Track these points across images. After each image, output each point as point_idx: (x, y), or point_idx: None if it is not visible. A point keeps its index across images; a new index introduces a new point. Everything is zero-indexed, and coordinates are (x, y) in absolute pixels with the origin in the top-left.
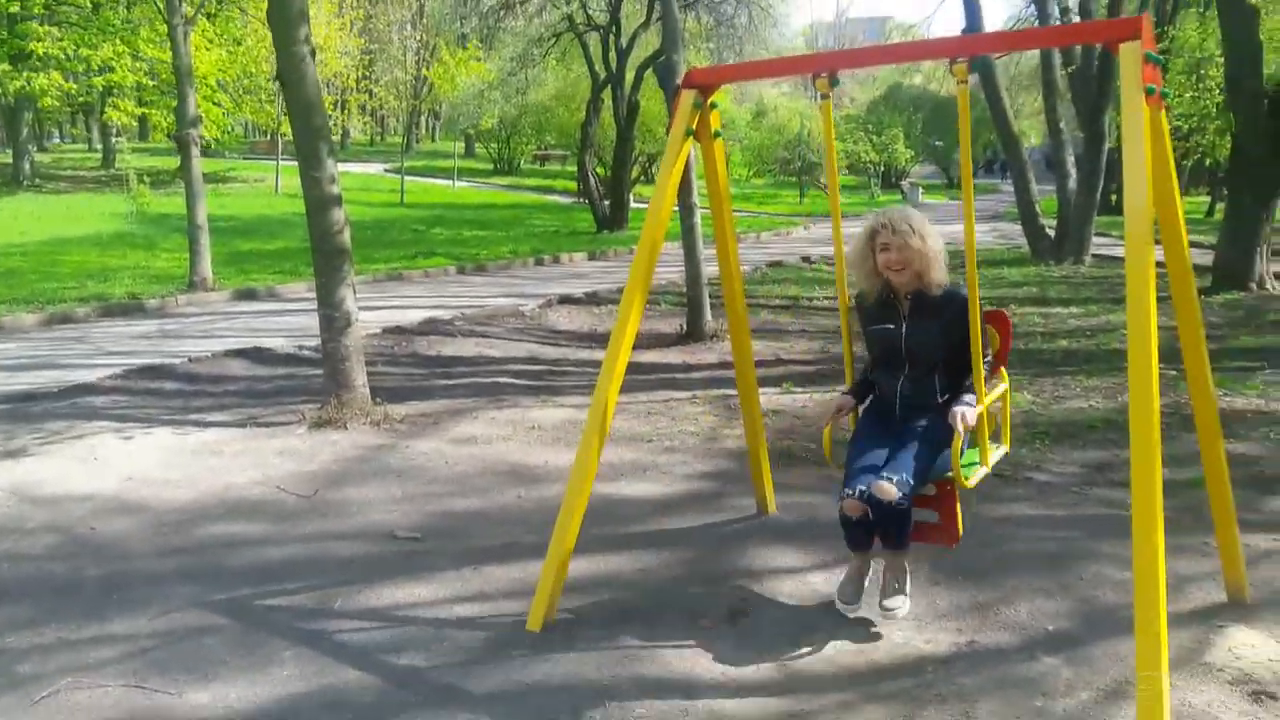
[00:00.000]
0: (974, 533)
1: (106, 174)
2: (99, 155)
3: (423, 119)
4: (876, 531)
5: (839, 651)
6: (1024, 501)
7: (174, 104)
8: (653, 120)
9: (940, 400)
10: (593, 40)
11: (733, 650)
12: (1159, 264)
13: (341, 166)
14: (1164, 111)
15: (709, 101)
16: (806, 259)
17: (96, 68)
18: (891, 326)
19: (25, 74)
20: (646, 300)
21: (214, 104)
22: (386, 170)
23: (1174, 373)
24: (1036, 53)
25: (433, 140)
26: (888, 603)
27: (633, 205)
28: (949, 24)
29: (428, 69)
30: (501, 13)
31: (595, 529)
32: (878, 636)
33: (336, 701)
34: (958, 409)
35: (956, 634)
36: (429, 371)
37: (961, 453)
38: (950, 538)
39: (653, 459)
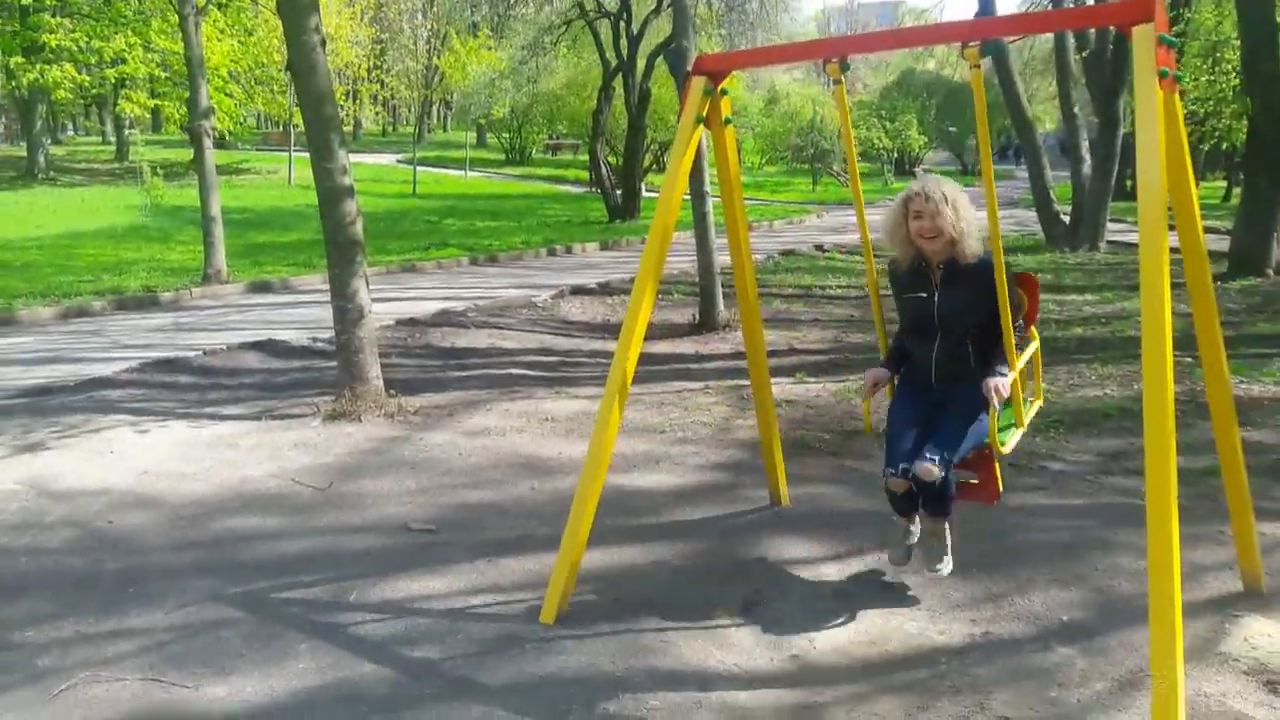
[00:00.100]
0: (988, 523)
1: (120, 166)
2: (113, 148)
3: (434, 109)
4: (919, 502)
5: (852, 643)
6: (1038, 491)
7: (186, 95)
8: (665, 108)
9: (974, 366)
10: (604, 27)
11: (746, 642)
12: (1173, 250)
13: (354, 157)
14: (1178, 95)
15: (719, 88)
16: (820, 247)
17: (109, 60)
18: (924, 295)
19: (39, 66)
20: (658, 290)
21: (226, 95)
22: (399, 161)
23: (1190, 360)
24: (1050, 36)
25: (444, 130)
26: (931, 566)
27: (645, 194)
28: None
29: (439, 58)
30: (512, 1)
31: (608, 520)
32: (891, 628)
33: (352, 694)
34: (991, 381)
35: (971, 625)
36: (443, 363)
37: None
38: (990, 496)
39: (666, 450)
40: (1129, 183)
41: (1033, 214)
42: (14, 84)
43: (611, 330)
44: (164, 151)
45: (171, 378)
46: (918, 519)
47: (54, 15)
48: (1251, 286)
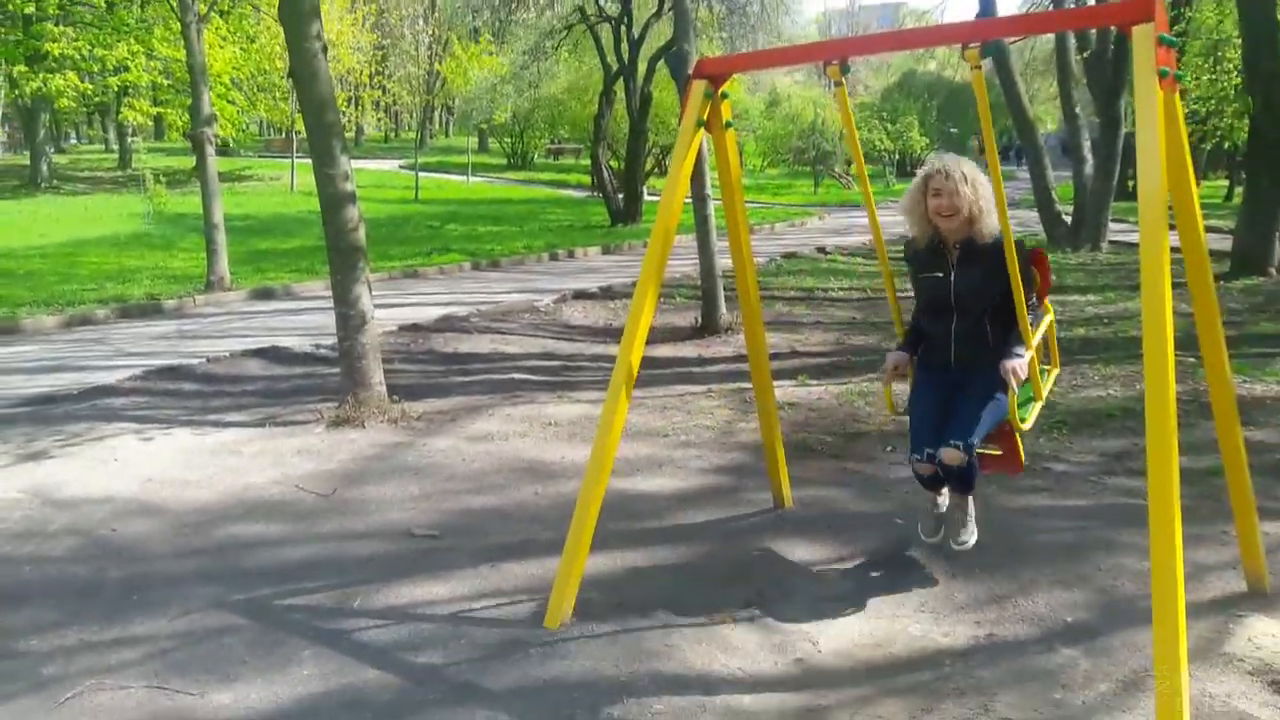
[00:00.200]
0: (991, 524)
1: (123, 174)
2: (115, 156)
3: (436, 114)
4: (945, 480)
5: (856, 645)
6: (1042, 492)
7: (189, 103)
8: (666, 112)
9: (992, 346)
10: (604, 32)
11: (750, 645)
12: (1174, 249)
13: (356, 163)
14: (1179, 95)
15: (720, 92)
16: (822, 249)
17: (111, 67)
18: (940, 275)
19: (41, 75)
20: (660, 293)
21: (228, 102)
22: (401, 167)
23: (1192, 360)
24: (1051, 37)
25: (446, 136)
26: (958, 539)
27: (647, 198)
28: (963, 9)
29: (440, 63)
30: (513, 5)
31: (611, 524)
32: (895, 630)
33: (355, 700)
34: (1008, 364)
35: (975, 626)
36: (445, 368)
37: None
38: (1014, 467)
39: (668, 454)
40: (1131, 183)
41: (1034, 214)
42: (17, 93)
43: (614, 334)
44: (167, 159)
45: (175, 385)
46: (945, 491)
47: (57, 24)
48: (1254, 286)
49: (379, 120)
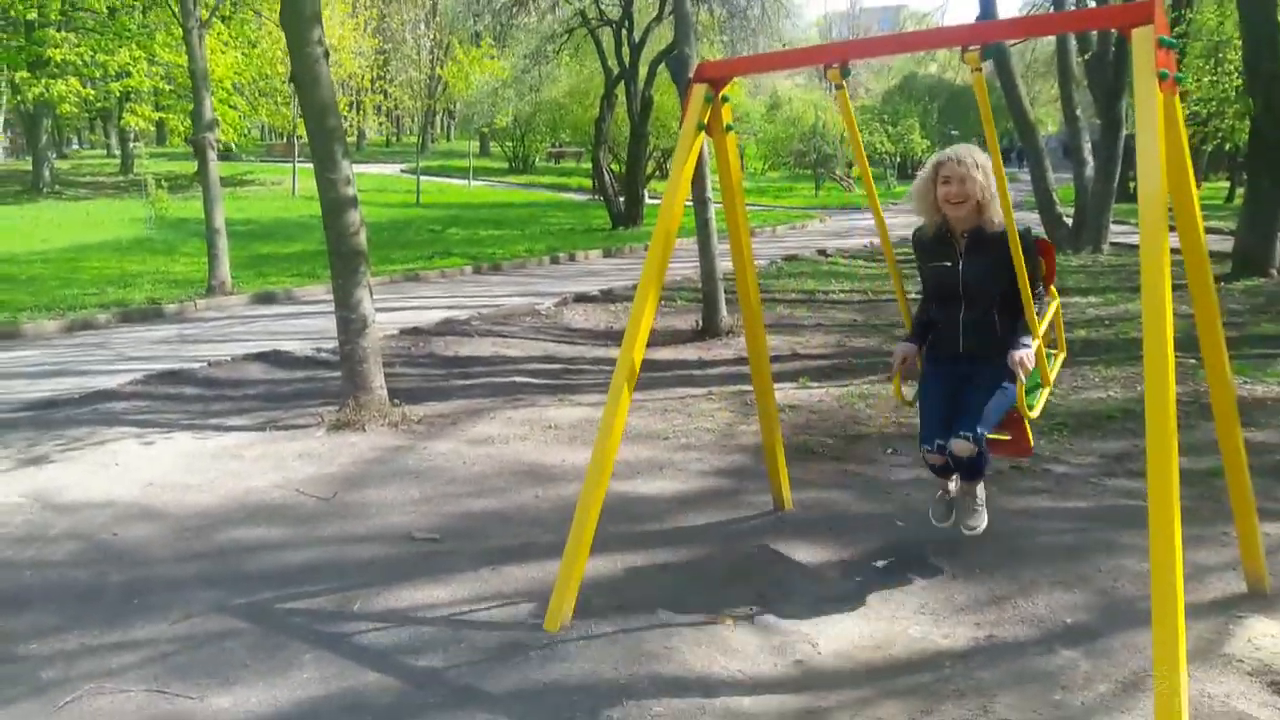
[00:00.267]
0: (991, 525)
1: (125, 179)
2: (117, 161)
3: (438, 118)
4: (955, 469)
5: (856, 647)
6: (1042, 494)
7: (190, 108)
8: (667, 115)
9: (1000, 335)
10: (605, 35)
11: (750, 647)
12: (1175, 251)
13: (357, 168)
14: (1179, 97)
15: (721, 95)
16: (823, 252)
17: (113, 73)
18: (949, 264)
19: (44, 81)
20: (661, 296)
21: (230, 107)
22: (402, 171)
23: (1193, 361)
24: (1052, 39)
25: (448, 140)
26: (968, 523)
27: (648, 201)
28: (964, 11)
29: (442, 68)
30: (514, 9)
31: (612, 527)
32: (895, 632)
33: (356, 704)
34: (1016, 355)
35: (974, 628)
36: (446, 372)
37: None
38: (1023, 451)
39: (669, 456)
40: (1132, 185)
41: (1035, 216)
42: (19, 98)
43: (615, 337)
44: (168, 164)
45: (176, 390)
46: (955, 478)
47: (59, 30)
48: (1255, 287)
49: (380, 125)
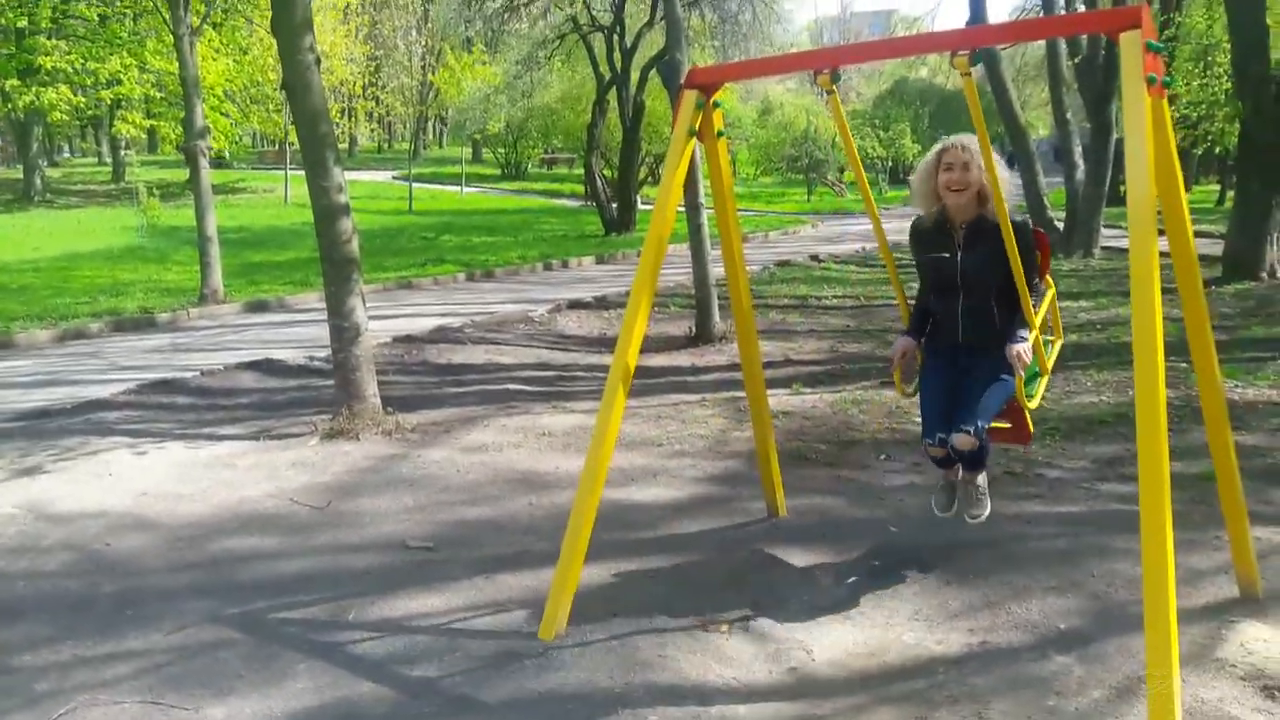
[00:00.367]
0: (984, 531)
1: (117, 188)
2: (109, 169)
3: (430, 125)
4: (957, 460)
5: (851, 654)
6: (1034, 499)
7: (182, 115)
8: (659, 121)
9: (999, 327)
10: (597, 41)
11: (745, 655)
12: (1164, 254)
13: (349, 174)
14: (1167, 100)
15: (712, 101)
16: (815, 257)
17: (104, 81)
18: (947, 255)
19: (34, 89)
20: (654, 302)
21: (222, 114)
22: (395, 178)
23: (1184, 365)
24: (1043, 43)
25: (440, 146)
26: (971, 512)
27: (641, 207)
28: (954, 14)
29: (434, 74)
30: (506, 16)
31: (606, 534)
32: (889, 639)
33: (351, 714)
34: (1014, 348)
35: (968, 634)
36: (440, 379)
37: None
38: (1023, 438)
39: (663, 463)
40: (1122, 188)
41: (1027, 220)
42: (10, 106)
43: (608, 344)
44: (160, 172)
45: (169, 399)
46: (957, 468)
47: (49, 38)
48: (1245, 290)
49: (373, 131)
